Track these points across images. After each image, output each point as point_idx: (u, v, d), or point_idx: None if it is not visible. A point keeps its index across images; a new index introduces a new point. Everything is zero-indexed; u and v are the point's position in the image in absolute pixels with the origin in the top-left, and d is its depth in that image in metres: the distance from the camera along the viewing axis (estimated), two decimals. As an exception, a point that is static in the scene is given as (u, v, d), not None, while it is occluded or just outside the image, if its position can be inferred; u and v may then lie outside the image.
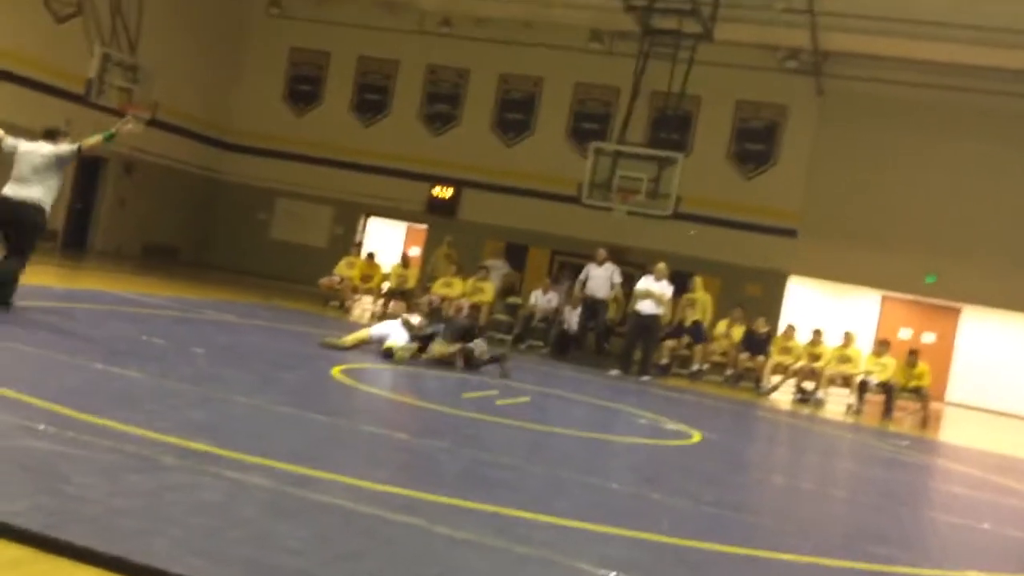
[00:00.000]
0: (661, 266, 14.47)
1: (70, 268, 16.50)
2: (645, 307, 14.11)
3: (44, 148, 8.84)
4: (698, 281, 16.69)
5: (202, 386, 6.41)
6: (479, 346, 10.41)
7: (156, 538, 3.23)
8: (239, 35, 24.49)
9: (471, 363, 10.20)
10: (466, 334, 10.49)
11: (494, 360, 10.47)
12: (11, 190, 8.62)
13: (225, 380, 6.95)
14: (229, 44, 24.23)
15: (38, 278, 12.65)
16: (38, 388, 5.26)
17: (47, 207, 8.77)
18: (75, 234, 21.01)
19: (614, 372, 14.01)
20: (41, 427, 4.38)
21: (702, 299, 16.43)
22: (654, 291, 14.10)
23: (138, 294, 12.72)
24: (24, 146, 8.90)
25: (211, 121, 24.00)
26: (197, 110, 23.18)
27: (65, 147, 8.90)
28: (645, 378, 13.92)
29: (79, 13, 18.55)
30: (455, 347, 10.14)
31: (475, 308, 16.52)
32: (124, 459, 4.13)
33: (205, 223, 24.34)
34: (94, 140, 8.81)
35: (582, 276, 15.70)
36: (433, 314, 11.65)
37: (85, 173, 20.90)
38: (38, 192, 8.63)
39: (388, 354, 9.83)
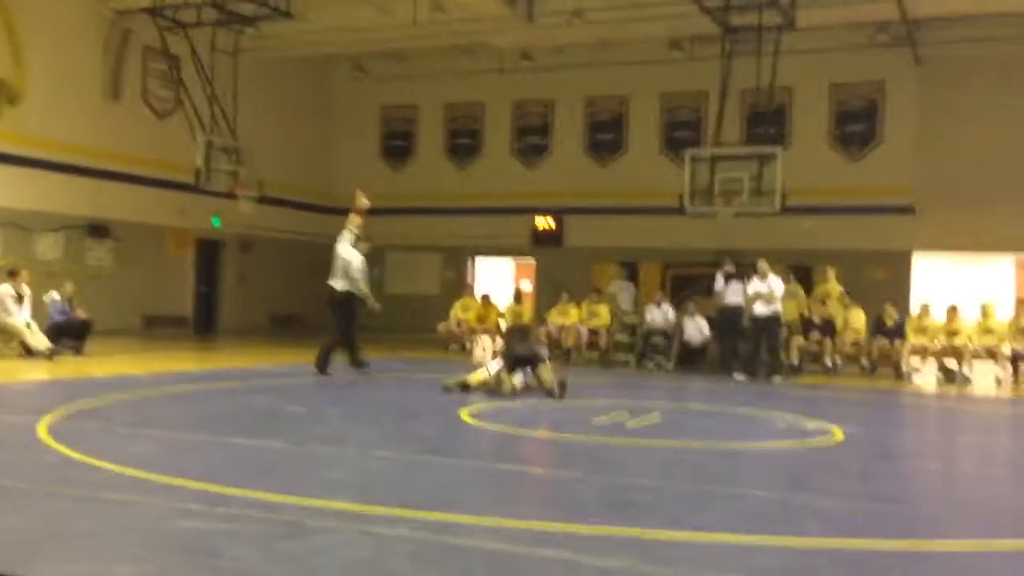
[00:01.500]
0: (762, 265, 14.19)
1: (203, 349, 17.20)
2: (758, 309, 13.94)
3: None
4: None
5: (338, 446, 6.58)
6: (542, 374, 10.27)
7: (311, 601, 3.31)
8: (329, 102, 25.27)
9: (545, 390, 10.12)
10: (525, 361, 10.43)
11: (562, 386, 10.25)
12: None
13: (360, 437, 7.11)
14: (321, 113, 25.03)
15: (174, 363, 13.25)
16: (185, 469, 5.49)
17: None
18: (204, 317, 21.92)
19: (739, 377, 13.77)
20: (193, 506, 4.56)
21: (795, 292, 15.92)
22: (762, 291, 13.91)
23: (270, 366, 13.16)
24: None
25: (314, 189, 24.77)
26: (300, 181, 23.97)
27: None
28: (776, 379, 13.60)
29: (179, 106, 19.48)
30: (515, 376, 10.09)
31: (594, 333, 16.47)
32: (272, 527, 4.26)
33: (323, 288, 24.99)
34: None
35: (716, 287, 15.37)
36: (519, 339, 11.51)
37: (205, 257, 21.85)
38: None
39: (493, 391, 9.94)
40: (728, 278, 15.16)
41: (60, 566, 3.55)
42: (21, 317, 13.16)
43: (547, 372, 10.35)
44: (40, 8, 17.82)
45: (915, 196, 19.85)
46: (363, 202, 12.89)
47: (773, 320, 14.00)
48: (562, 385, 10.15)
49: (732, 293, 14.95)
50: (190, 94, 18.93)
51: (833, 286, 16.14)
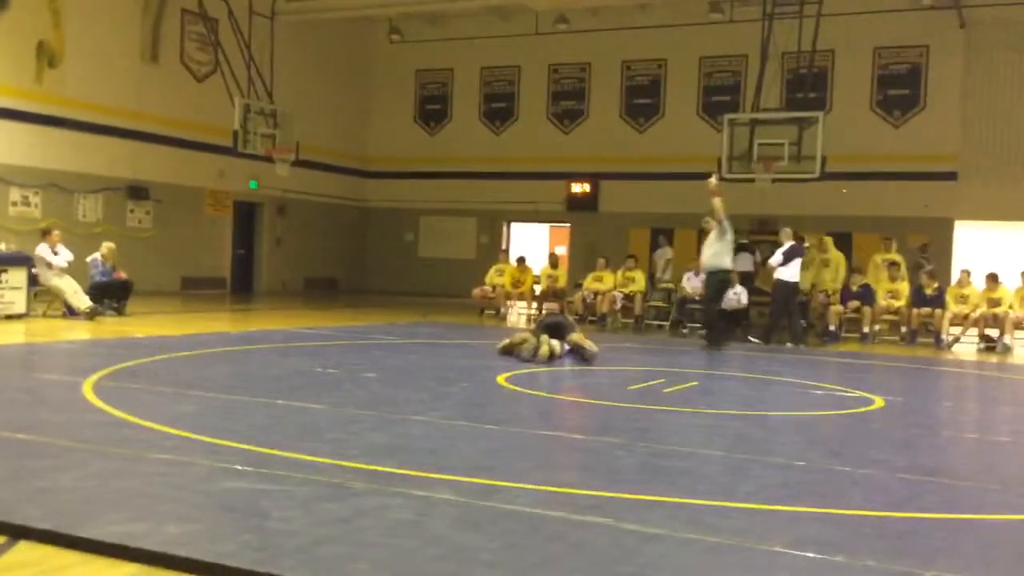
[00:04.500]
0: (786, 231, 14.09)
1: (241, 312, 17.38)
2: (779, 275, 13.83)
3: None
4: (828, 241, 16.14)
5: (378, 409, 6.62)
6: (571, 341, 10.30)
7: (359, 563, 3.35)
8: (365, 66, 25.23)
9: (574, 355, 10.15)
10: (556, 329, 10.45)
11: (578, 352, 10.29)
12: None
13: (399, 401, 7.16)
14: (357, 76, 25.01)
15: (213, 325, 13.41)
16: (230, 431, 5.56)
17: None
18: (241, 278, 22.13)
19: (755, 341, 13.99)
20: (239, 467, 4.63)
21: (836, 259, 15.86)
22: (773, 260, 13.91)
23: (306, 328, 13.27)
24: None
25: (350, 152, 24.82)
26: (335, 144, 24.02)
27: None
28: (788, 346, 13.46)
29: (216, 69, 19.53)
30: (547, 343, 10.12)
31: (629, 299, 16.43)
32: (317, 489, 4.31)
33: (357, 251, 25.20)
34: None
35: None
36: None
37: (242, 220, 22.02)
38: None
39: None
40: (741, 248, 15.39)
41: (111, 526, 3.62)
42: (56, 268, 13.30)
43: (576, 336, 10.39)
44: (79, -30, 17.89)
45: (958, 163, 19.53)
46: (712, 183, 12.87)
47: (786, 287, 13.82)
48: (591, 352, 10.21)
49: (741, 261, 15.33)
50: (227, 57, 18.97)
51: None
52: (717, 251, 12.97)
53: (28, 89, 17.14)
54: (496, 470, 4.87)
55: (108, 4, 18.57)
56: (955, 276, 16.42)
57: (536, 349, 9.99)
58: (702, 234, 14.26)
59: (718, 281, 13.19)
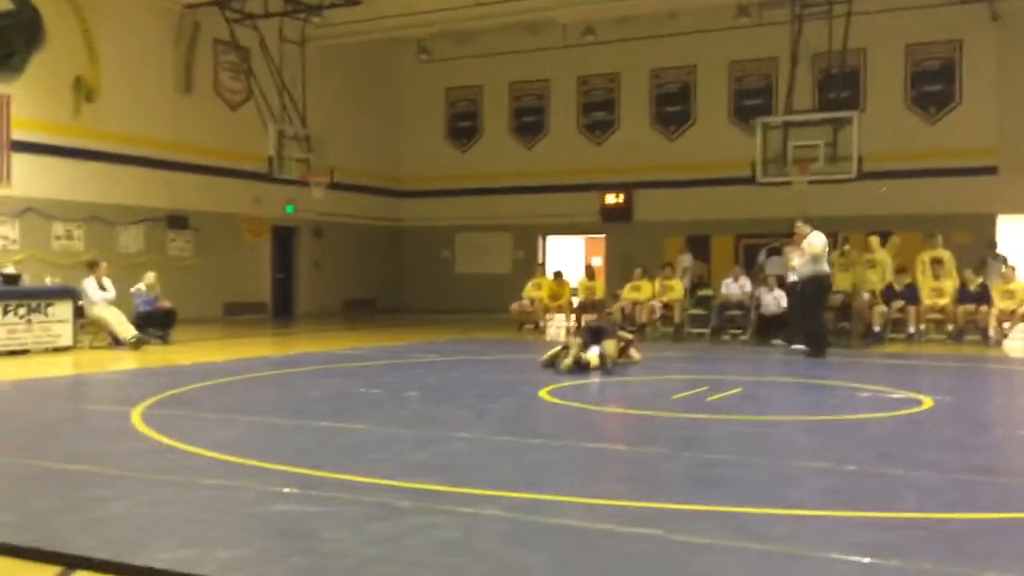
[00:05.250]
0: (799, 228, 13.89)
1: (282, 335, 17.54)
2: (790, 276, 13.80)
3: None
4: (874, 241, 15.95)
5: (421, 428, 6.64)
6: (605, 347, 10.25)
7: (408, 582, 3.36)
8: (395, 87, 25.43)
9: (605, 366, 10.07)
10: (598, 334, 10.42)
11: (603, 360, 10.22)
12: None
13: (441, 419, 7.17)
14: (387, 97, 25.21)
15: (255, 349, 13.53)
16: (276, 454, 5.61)
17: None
18: (281, 302, 22.33)
19: (776, 342, 13.89)
20: (286, 490, 4.66)
21: (882, 259, 15.65)
22: (792, 259, 13.73)
23: (347, 349, 13.35)
24: None
25: (383, 173, 25.01)
26: (369, 165, 24.21)
27: None
28: (796, 347, 13.19)
29: (249, 97, 19.79)
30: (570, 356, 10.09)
31: (668, 307, 16.35)
32: (364, 509, 4.32)
33: (395, 270, 25.34)
34: None
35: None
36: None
37: (281, 244, 22.24)
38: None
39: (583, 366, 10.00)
40: (773, 252, 15.26)
41: (163, 553, 3.66)
42: (100, 301, 13.50)
43: (611, 346, 10.36)
44: (112, 5, 18.25)
45: (998, 157, 19.25)
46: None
47: (793, 285, 13.66)
48: (603, 359, 10.15)
49: (770, 265, 15.32)
50: (260, 85, 19.22)
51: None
52: (814, 257, 12.61)
53: (67, 124, 17.48)
54: (542, 484, 4.86)
55: (142, 37, 18.91)
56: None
57: (565, 357, 10.04)
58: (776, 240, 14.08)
59: (819, 288, 12.74)
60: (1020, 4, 18.81)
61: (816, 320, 12.73)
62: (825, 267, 12.69)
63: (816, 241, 12.52)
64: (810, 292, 12.66)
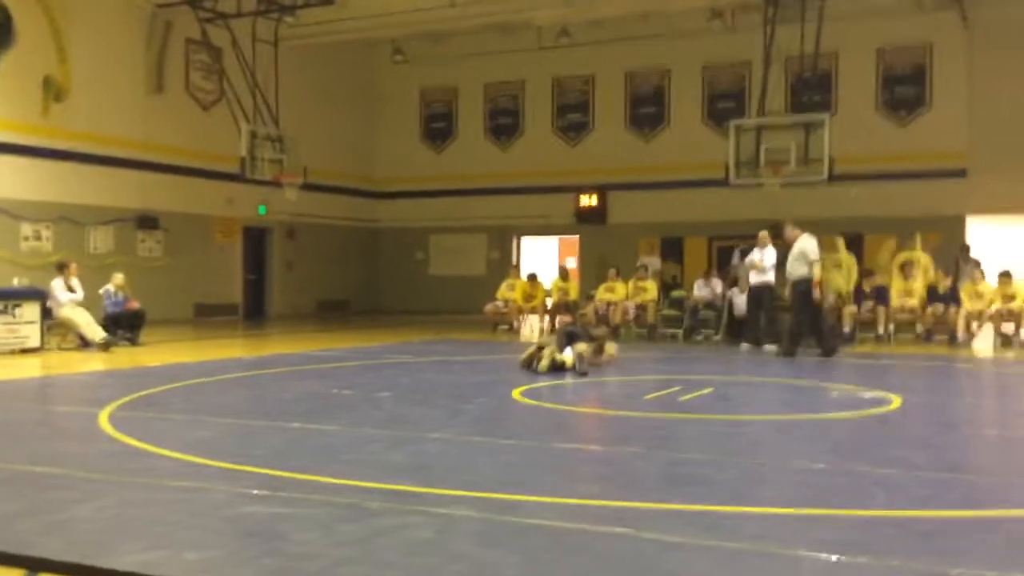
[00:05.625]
0: (762, 234, 14.10)
1: (254, 336, 17.41)
2: (752, 278, 13.97)
3: None
4: (840, 242, 16.05)
5: (394, 429, 6.61)
6: (578, 348, 10.30)
7: (378, 582, 3.33)
8: (369, 87, 25.35)
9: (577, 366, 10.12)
10: (572, 339, 10.48)
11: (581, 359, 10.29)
12: None
13: (414, 420, 7.14)
14: (362, 98, 25.11)
15: (226, 351, 13.43)
16: (246, 455, 5.56)
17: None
18: (253, 304, 22.18)
19: (744, 347, 13.83)
20: (256, 492, 4.62)
21: (847, 261, 15.76)
22: (756, 261, 13.92)
23: (319, 351, 13.28)
24: None
25: (357, 174, 24.90)
26: (343, 166, 24.10)
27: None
28: (768, 348, 13.36)
29: (222, 97, 19.64)
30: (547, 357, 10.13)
31: (641, 308, 16.40)
32: (335, 510, 4.29)
33: (368, 272, 25.25)
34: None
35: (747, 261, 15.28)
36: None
37: (252, 246, 22.10)
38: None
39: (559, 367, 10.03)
40: (744, 254, 15.32)
41: (131, 555, 3.61)
42: (68, 303, 13.36)
43: (584, 347, 10.39)
44: (82, 4, 18.05)
45: (966, 160, 19.47)
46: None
47: (763, 289, 13.86)
48: (579, 360, 10.20)
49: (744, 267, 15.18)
50: (232, 85, 19.07)
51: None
52: (797, 259, 12.87)
53: (35, 124, 17.27)
54: (515, 485, 4.85)
55: (112, 37, 18.72)
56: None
57: (537, 359, 10.09)
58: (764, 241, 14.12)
59: (800, 292, 12.90)
60: (989, 9, 19.04)
61: (800, 320, 12.89)
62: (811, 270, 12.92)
63: (812, 247, 12.91)
64: (801, 292, 12.89)
